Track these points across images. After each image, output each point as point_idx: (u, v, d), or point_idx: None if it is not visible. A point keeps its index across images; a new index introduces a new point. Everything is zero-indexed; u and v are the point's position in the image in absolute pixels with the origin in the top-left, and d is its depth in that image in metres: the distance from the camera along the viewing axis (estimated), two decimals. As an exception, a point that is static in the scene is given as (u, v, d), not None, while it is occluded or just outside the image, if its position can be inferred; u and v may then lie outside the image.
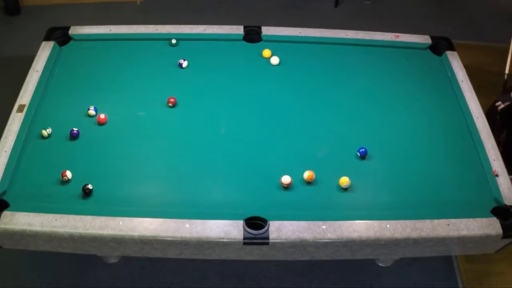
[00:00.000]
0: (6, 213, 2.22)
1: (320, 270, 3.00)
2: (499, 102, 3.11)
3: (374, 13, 4.74)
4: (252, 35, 3.10)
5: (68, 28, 3.05)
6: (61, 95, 2.74)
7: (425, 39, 3.16)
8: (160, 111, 2.70)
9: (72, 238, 2.21)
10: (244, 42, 3.09)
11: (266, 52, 3.01)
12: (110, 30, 3.08)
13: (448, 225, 2.28)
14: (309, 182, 2.42)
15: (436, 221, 2.28)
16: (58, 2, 4.68)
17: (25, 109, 2.59)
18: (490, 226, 2.29)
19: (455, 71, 2.96)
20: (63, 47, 2.98)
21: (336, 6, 4.82)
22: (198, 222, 2.23)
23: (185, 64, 2.92)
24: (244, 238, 2.19)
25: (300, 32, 3.13)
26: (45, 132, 2.52)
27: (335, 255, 2.36)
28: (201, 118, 2.69)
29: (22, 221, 2.19)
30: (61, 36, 3.00)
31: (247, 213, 2.26)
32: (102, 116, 2.61)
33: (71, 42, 3.02)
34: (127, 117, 2.66)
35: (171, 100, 2.71)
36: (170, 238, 2.20)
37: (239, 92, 2.83)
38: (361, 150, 2.53)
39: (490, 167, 2.50)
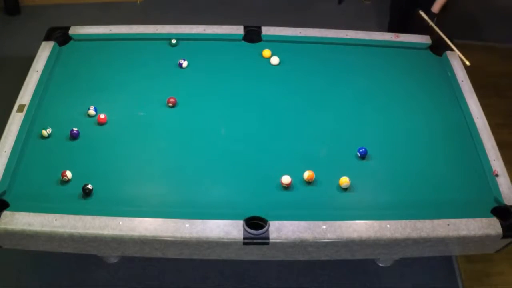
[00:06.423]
0: (6, 213, 2.21)
1: (320, 270, 3.00)
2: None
3: (374, 13, 4.74)
4: (252, 35, 3.10)
5: (68, 28, 3.04)
6: (61, 95, 2.73)
7: (425, 39, 3.16)
8: (160, 111, 2.69)
9: (72, 238, 2.20)
10: (244, 42, 3.09)
11: (266, 52, 3.00)
12: (110, 30, 3.08)
13: (448, 225, 2.27)
14: (309, 182, 2.42)
15: (436, 221, 2.28)
16: (58, 2, 4.68)
17: (25, 109, 2.59)
18: (490, 226, 2.29)
19: (455, 71, 2.96)
20: (63, 47, 2.98)
21: (340, 3, 4.82)
22: (198, 222, 2.23)
23: (185, 64, 2.91)
24: (244, 238, 2.19)
25: (300, 32, 3.13)
26: (45, 132, 2.52)
27: (335, 255, 2.36)
28: (201, 118, 2.69)
29: (22, 221, 2.19)
30: (61, 36, 2.99)
31: (247, 213, 2.26)
32: (102, 116, 2.61)
33: (71, 42, 3.01)
34: (127, 117, 2.66)
35: (171, 100, 2.71)
36: (170, 238, 2.20)
37: (239, 92, 2.83)
38: (361, 150, 2.53)
39: (490, 167, 2.50)
